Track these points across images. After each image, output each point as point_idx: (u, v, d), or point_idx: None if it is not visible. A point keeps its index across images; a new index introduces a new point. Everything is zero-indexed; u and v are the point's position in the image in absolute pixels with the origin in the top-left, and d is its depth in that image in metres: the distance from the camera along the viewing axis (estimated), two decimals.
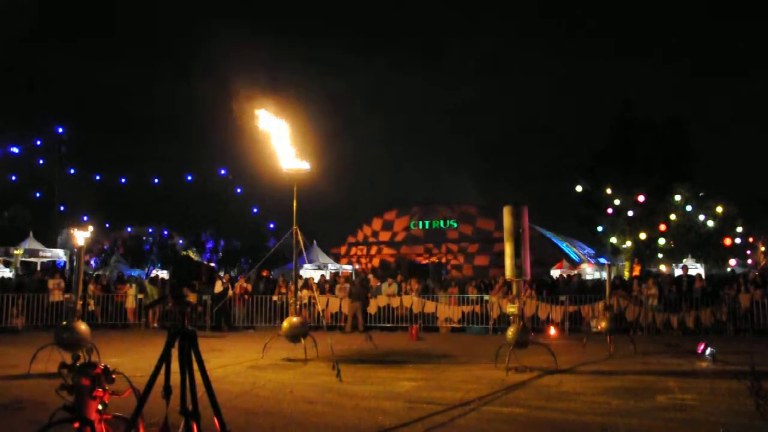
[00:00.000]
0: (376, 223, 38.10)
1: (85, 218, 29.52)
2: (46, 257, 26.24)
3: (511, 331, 9.59)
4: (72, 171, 32.39)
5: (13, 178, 32.12)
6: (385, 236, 37.67)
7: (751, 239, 29.95)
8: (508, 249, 9.67)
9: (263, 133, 10.99)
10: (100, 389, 3.80)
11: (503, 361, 9.37)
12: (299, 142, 11.31)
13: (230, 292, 17.73)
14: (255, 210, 37.04)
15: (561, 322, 16.39)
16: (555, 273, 26.12)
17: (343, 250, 37.87)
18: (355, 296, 17.37)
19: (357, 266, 34.32)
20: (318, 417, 6.35)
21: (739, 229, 27.41)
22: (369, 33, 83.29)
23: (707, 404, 6.91)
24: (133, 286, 18.32)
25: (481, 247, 35.18)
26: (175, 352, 3.57)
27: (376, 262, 36.62)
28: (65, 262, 26.22)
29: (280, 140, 11.12)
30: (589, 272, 27.76)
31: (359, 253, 37.74)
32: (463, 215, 36.47)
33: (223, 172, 35.23)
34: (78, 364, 3.89)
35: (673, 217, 26.14)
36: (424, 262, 35.22)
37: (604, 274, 14.99)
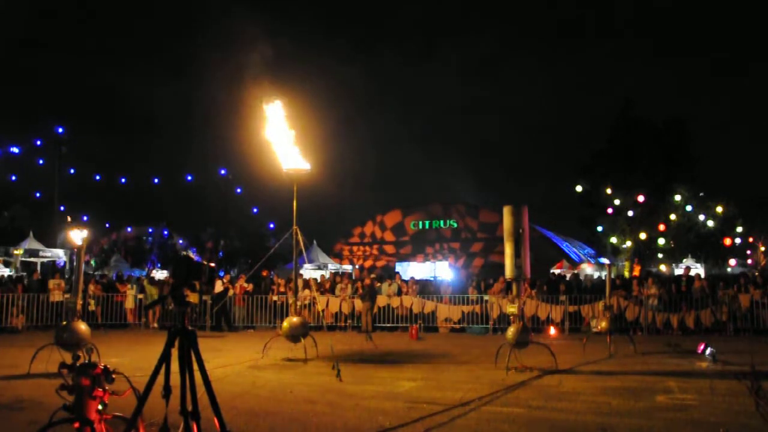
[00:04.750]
0: (376, 223, 38.08)
1: (85, 218, 29.57)
2: (46, 257, 26.24)
3: (511, 331, 9.59)
4: (72, 171, 32.41)
5: (13, 178, 32.15)
6: (384, 236, 37.64)
7: (751, 239, 29.98)
8: (508, 249, 9.67)
9: (265, 133, 10.99)
10: (100, 389, 3.80)
11: (503, 361, 9.37)
12: (300, 142, 11.31)
13: (231, 292, 17.74)
14: (255, 210, 37.07)
15: (561, 322, 16.39)
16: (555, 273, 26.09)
17: (345, 249, 37.83)
18: (366, 296, 17.17)
19: (358, 265, 34.28)
20: (318, 417, 6.35)
21: (739, 229, 27.43)
22: (369, 32, 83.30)
23: (707, 404, 6.90)
24: (133, 286, 18.33)
25: (482, 246, 35.15)
26: (175, 352, 3.57)
27: (374, 261, 36.59)
28: (65, 262, 26.23)
29: (281, 140, 11.12)
30: (589, 272, 27.75)
31: (359, 252, 37.70)
32: (463, 215, 36.44)
33: (223, 172, 35.26)
34: (78, 364, 3.89)
35: (673, 217, 26.16)
36: (424, 261, 35.19)
37: (605, 274, 14.98)
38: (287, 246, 13.16)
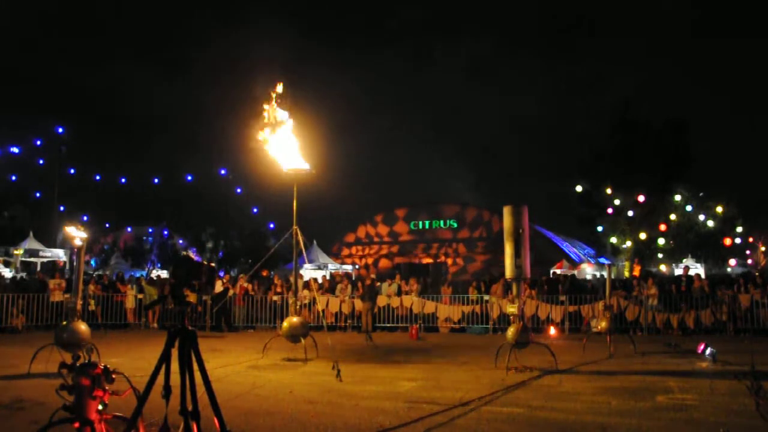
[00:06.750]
0: (376, 223, 38.07)
1: (85, 218, 29.57)
2: (46, 257, 26.25)
3: (511, 331, 9.59)
4: (72, 171, 32.41)
5: (13, 178, 32.14)
6: (384, 236, 37.64)
7: (751, 239, 29.99)
8: (508, 249, 9.67)
9: (267, 133, 10.96)
10: (100, 389, 3.80)
11: (503, 361, 9.38)
12: (300, 141, 11.28)
13: (231, 291, 17.74)
14: (255, 210, 37.05)
15: (561, 322, 16.39)
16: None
17: (344, 250, 37.83)
18: (366, 296, 17.14)
19: (358, 265, 34.26)
20: (318, 417, 6.35)
21: (739, 229, 27.45)
22: (368, 33, 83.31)
23: (707, 404, 6.91)
24: (133, 286, 18.35)
25: (481, 247, 35.12)
26: (175, 352, 3.57)
27: (373, 261, 36.56)
28: (66, 262, 26.24)
29: (282, 140, 11.10)
30: (590, 272, 27.75)
31: (359, 252, 37.68)
32: (463, 215, 36.41)
33: (223, 172, 35.23)
34: (78, 364, 3.88)
35: (673, 217, 26.18)
36: (424, 262, 35.18)
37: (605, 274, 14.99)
38: (287, 246, 13.15)
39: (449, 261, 35.12)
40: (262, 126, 10.61)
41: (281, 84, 10.54)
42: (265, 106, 10.60)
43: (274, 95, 10.53)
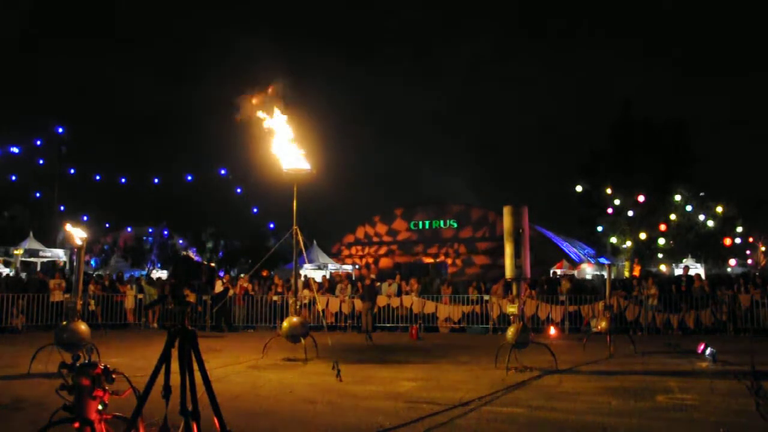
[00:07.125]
0: (376, 223, 38.05)
1: (85, 218, 29.57)
2: (46, 257, 26.24)
3: (511, 331, 9.59)
4: (72, 171, 32.42)
5: (13, 178, 32.14)
6: (384, 236, 37.60)
7: (751, 239, 29.96)
8: (508, 249, 9.67)
9: (265, 133, 10.97)
10: (100, 389, 3.80)
11: (503, 361, 9.38)
12: (300, 142, 11.29)
13: (231, 292, 17.74)
14: (255, 210, 37.04)
15: (561, 322, 16.39)
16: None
17: (343, 251, 37.80)
18: (366, 296, 17.11)
19: (359, 264, 34.24)
20: (318, 417, 6.35)
21: (739, 229, 27.43)
22: (367, 33, 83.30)
23: (707, 404, 6.90)
24: (133, 286, 18.34)
25: (482, 248, 35.07)
26: (175, 352, 3.57)
27: (374, 261, 36.53)
28: (66, 262, 26.24)
29: (282, 141, 11.10)
30: (590, 272, 27.74)
31: (359, 252, 37.64)
32: (468, 215, 36.36)
33: (223, 172, 35.21)
34: (78, 364, 3.89)
35: (673, 217, 26.18)
36: (425, 261, 35.15)
37: (605, 274, 14.99)
38: (287, 246, 13.15)
39: (449, 261, 35.10)
40: (259, 124, 10.62)
41: (280, 84, 10.54)
42: (264, 108, 10.60)
43: (272, 94, 10.53)
